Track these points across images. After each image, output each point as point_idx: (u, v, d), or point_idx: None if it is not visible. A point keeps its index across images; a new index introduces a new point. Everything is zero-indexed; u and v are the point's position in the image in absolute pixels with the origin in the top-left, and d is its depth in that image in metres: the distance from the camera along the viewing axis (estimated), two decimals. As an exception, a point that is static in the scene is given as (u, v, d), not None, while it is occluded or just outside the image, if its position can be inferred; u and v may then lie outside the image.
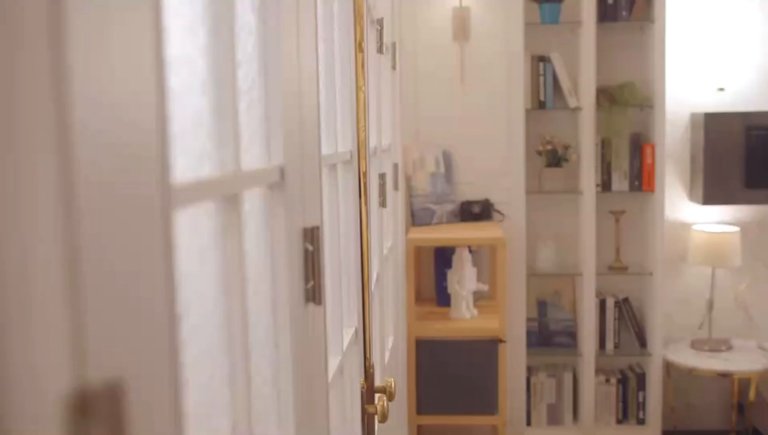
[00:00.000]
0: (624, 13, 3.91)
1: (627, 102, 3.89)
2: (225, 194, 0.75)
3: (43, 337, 0.38)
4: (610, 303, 4.07)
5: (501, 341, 3.63)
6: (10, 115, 0.36)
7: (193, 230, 0.69)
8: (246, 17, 0.86)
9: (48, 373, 0.38)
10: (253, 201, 0.88)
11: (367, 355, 1.82)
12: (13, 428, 0.36)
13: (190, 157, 0.68)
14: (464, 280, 3.72)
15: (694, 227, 4.08)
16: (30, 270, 0.38)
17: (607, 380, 4.08)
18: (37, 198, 0.38)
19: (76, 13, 0.40)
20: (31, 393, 0.37)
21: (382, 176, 2.51)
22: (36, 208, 0.38)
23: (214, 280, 0.74)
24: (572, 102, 3.98)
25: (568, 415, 4.11)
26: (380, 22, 2.53)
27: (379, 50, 2.51)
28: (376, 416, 1.74)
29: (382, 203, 2.52)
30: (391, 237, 3.00)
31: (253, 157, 0.88)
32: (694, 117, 4.08)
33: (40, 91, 0.38)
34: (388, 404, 1.73)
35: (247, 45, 0.86)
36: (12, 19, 0.36)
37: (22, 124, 0.37)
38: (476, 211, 3.92)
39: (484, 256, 4.05)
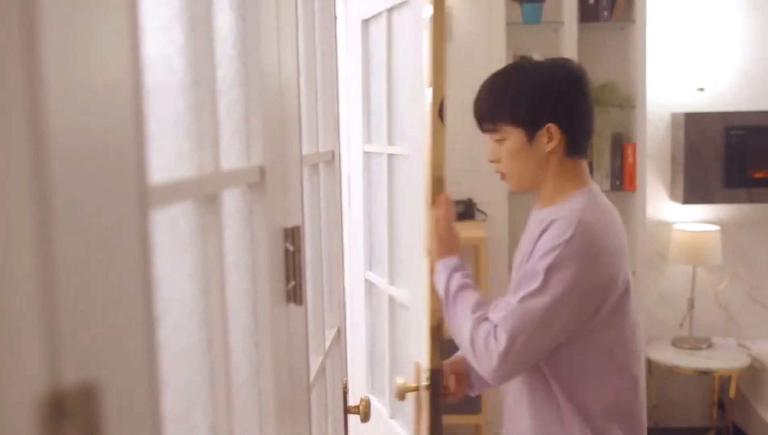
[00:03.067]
0: (605, 13, 3.93)
1: (608, 102, 3.91)
2: (204, 194, 0.75)
3: (16, 339, 0.38)
4: (592, 302, 4.09)
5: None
6: (-18, 114, 0.36)
7: (172, 230, 0.69)
8: (224, 16, 0.86)
9: (21, 374, 0.38)
10: (233, 201, 0.88)
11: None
12: (-16, 430, 0.36)
13: (168, 157, 0.68)
14: (447, 279, 3.71)
15: (674, 226, 4.11)
16: (3, 271, 0.37)
17: (590, 379, 4.10)
18: (10, 199, 0.38)
19: (50, 11, 0.40)
20: (4, 395, 0.37)
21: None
22: (9, 209, 0.38)
23: (193, 281, 0.74)
24: (554, 102, 3.99)
25: (550, 414, 4.12)
26: (362, 21, 2.53)
27: (361, 50, 2.51)
28: (358, 415, 1.74)
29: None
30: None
31: (232, 156, 0.87)
32: (674, 117, 4.11)
33: (12, 90, 0.38)
34: (369, 404, 1.73)
35: (226, 44, 0.86)
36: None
37: (-6, 124, 0.37)
38: (459, 211, 3.93)
39: (467, 255, 4.05)
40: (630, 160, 3.95)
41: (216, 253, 0.76)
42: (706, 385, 4.23)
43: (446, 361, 1.82)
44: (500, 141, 1.61)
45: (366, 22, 2.39)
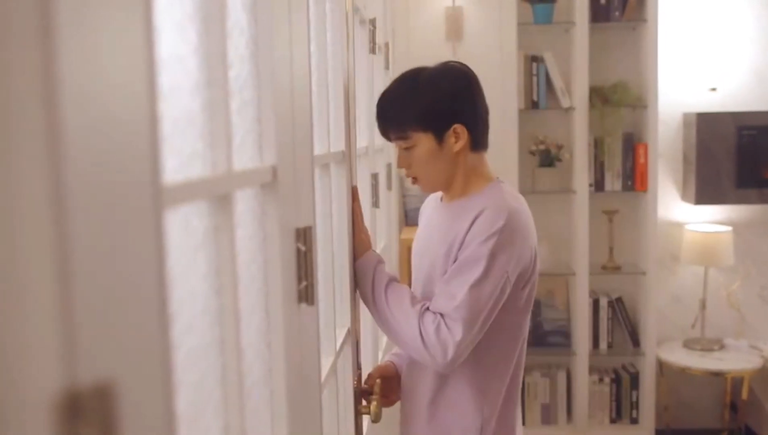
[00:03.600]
0: (616, 13, 3.91)
1: (620, 102, 3.89)
2: (217, 194, 0.75)
3: (33, 338, 0.38)
4: (603, 302, 4.08)
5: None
6: (2, 115, 0.36)
7: (185, 230, 0.69)
8: (237, 16, 0.86)
9: (38, 373, 0.38)
10: (245, 201, 0.88)
11: (358, 356, 1.82)
12: (3, 429, 0.36)
13: (182, 157, 0.68)
14: (458, 279, 3.70)
15: (686, 227, 4.09)
16: (20, 271, 0.37)
17: (601, 380, 4.09)
18: (27, 199, 0.38)
19: (66, 13, 0.40)
20: (21, 394, 0.37)
21: (374, 176, 2.51)
22: (26, 209, 0.38)
23: (206, 280, 0.74)
24: (565, 102, 3.98)
25: (561, 415, 4.12)
26: (373, 22, 2.53)
27: (372, 50, 2.51)
28: (369, 416, 1.74)
29: (375, 203, 2.52)
30: (384, 237, 3.00)
31: (245, 156, 0.87)
32: (686, 117, 4.09)
33: (30, 91, 0.38)
34: (380, 404, 1.73)
35: (239, 45, 0.86)
36: (1, 19, 0.36)
37: (12, 124, 0.37)
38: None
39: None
40: (641, 160, 3.93)
41: (228, 253, 0.77)
42: (718, 387, 4.21)
43: (376, 366, 1.88)
44: (410, 148, 1.67)
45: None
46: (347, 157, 1.70)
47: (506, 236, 1.55)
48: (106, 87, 0.45)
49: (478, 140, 1.69)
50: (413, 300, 1.61)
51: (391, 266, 3.20)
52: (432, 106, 1.63)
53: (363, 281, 1.69)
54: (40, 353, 0.38)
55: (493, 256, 1.54)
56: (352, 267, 1.70)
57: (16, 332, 0.37)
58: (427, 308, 1.58)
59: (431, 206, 1.85)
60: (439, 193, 1.82)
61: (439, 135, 1.64)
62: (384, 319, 1.64)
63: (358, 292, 1.73)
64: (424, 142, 1.64)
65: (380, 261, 1.71)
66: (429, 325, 1.55)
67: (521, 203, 1.67)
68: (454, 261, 1.59)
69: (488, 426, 1.66)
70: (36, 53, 0.38)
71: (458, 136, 1.64)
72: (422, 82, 1.65)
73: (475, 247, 1.55)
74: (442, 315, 1.55)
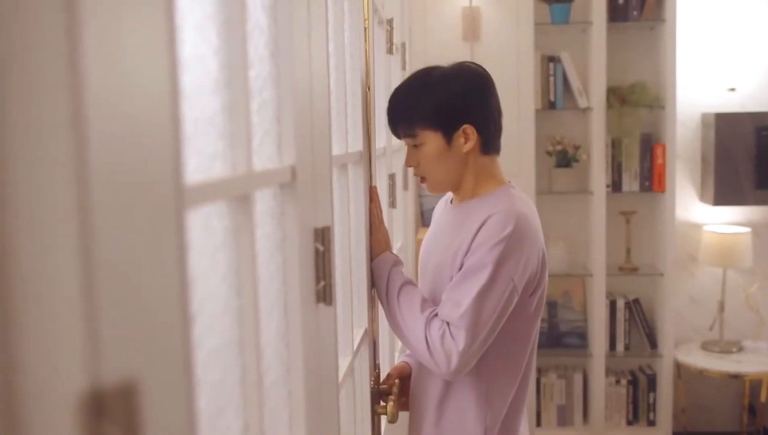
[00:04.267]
0: (634, 12, 3.89)
1: (637, 102, 3.87)
2: (237, 194, 0.75)
3: (58, 337, 0.38)
4: (620, 304, 4.06)
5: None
6: (28, 115, 0.37)
7: (206, 230, 0.69)
8: (257, 16, 0.86)
9: (63, 372, 0.38)
10: (264, 201, 0.89)
11: (375, 356, 1.82)
12: (29, 427, 0.36)
13: (203, 158, 0.68)
14: (474, 280, 3.70)
15: (704, 228, 4.06)
16: (46, 270, 0.38)
17: (618, 381, 4.07)
18: (52, 199, 0.38)
19: (91, 14, 0.40)
20: (46, 392, 0.37)
21: (391, 177, 2.50)
22: (52, 209, 0.38)
23: (226, 280, 0.74)
24: (582, 102, 3.96)
25: (578, 416, 4.10)
26: (390, 22, 2.53)
27: (389, 51, 2.51)
28: (385, 416, 1.74)
29: (392, 204, 2.52)
30: (400, 237, 3.00)
31: (264, 157, 0.88)
32: (705, 117, 4.06)
33: (56, 92, 0.38)
34: (397, 405, 1.73)
35: (258, 45, 0.86)
36: (28, 21, 0.36)
37: (39, 125, 0.37)
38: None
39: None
40: (659, 160, 3.91)
41: (248, 253, 0.77)
42: (736, 389, 4.18)
43: (394, 366, 1.88)
44: (418, 146, 1.66)
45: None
46: (365, 158, 1.70)
47: (514, 243, 1.53)
48: (129, 87, 0.45)
49: (490, 143, 1.68)
50: (423, 305, 1.60)
51: (407, 266, 3.20)
52: (442, 104, 1.62)
53: (378, 282, 1.69)
54: (65, 353, 0.38)
55: (499, 264, 1.52)
56: (369, 267, 1.70)
57: (41, 333, 0.37)
58: (436, 315, 1.57)
59: (441, 208, 1.84)
60: (450, 195, 1.81)
61: (448, 134, 1.63)
62: (395, 322, 1.64)
63: (374, 292, 1.73)
64: (432, 140, 1.63)
65: (396, 263, 1.71)
66: (435, 332, 1.54)
67: (530, 208, 1.65)
68: (460, 267, 1.57)
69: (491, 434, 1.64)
70: (61, 54, 0.38)
71: (467, 137, 1.63)
72: (434, 81, 1.65)
73: (482, 254, 1.53)
74: (448, 323, 1.53)
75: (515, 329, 1.62)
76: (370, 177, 1.77)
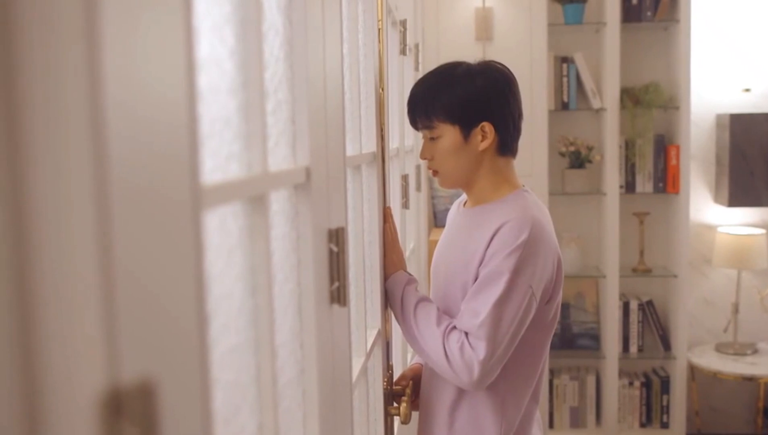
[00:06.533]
0: (648, 13, 3.87)
1: (651, 103, 3.86)
2: (252, 195, 0.76)
3: (77, 338, 0.39)
4: (633, 305, 4.04)
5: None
6: (47, 116, 0.37)
7: (222, 230, 0.70)
8: (273, 17, 0.86)
9: (82, 372, 0.39)
10: (279, 202, 0.89)
11: (388, 357, 1.82)
12: (49, 426, 0.37)
13: (219, 159, 0.68)
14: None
15: (719, 229, 4.04)
16: (65, 271, 0.38)
17: (631, 383, 4.05)
18: (72, 200, 0.38)
19: (110, 17, 0.40)
20: (66, 392, 0.38)
21: (404, 177, 2.51)
22: (71, 211, 0.38)
23: (241, 280, 0.75)
24: (596, 103, 3.95)
25: (590, 418, 4.08)
26: (403, 23, 2.53)
27: (402, 52, 2.51)
28: (398, 417, 1.74)
29: (405, 205, 2.52)
30: (413, 238, 3.00)
31: (279, 158, 0.88)
32: (719, 118, 4.04)
33: (75, 93, 0.38)
34: (410, 406, 1.73)
35: (273, 46, 0.86)
36: (48, 23, 0.37)
37: (58, 126, 0.37)
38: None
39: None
40: (673, 161, 3.89)
41: (263, 253, 0.77)
42: (750, 392, 4.16)
43: (408, 367, 1.87)
44: (435, 138, 1.65)
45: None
46: (378, 158, 1.71)
47: (530, 250, 1.52)
48: (147, 89, 0.46)
49: (507, 144, 1.67)
50: (440, 319, 1.58)
51: (420, 267, 3.20)
52: (462, 99, 1.61)
53: (393, 302, 1.68)
54: (84, 353, 0.39)
55: (516, 272, 1.50)
56: (383, 286, 1.70)
57: (62, 333, 0.38)
58: (454, 327, 1.55)
59: (454, 211, 1.83)
60: (464, 198, 1.80)
61: (466, 130, 1.62)
62: (413, 340, 1.62)
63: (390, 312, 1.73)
64: (449, 134, 1.62)
65: (409, 281, 1.69)
66: (454, 344, 1.52)
67: (544, 214, 1.64)
68: (476, 277, 1.56)
69: None
70: (81, 57, 0.39)
71: (485, 135, 1.62)
72: (458, 75, 1.64)
73: (498, 262, 1.51)
74: (466, 334, 1.52)
75: (533, 339, 1.61)
76: (383, 178, 1.76)
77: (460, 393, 1.64)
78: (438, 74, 1.67)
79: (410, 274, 1.73)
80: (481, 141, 1.63)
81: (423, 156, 1.69)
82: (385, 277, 1.71)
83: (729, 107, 4.04)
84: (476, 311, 1.51)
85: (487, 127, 1.62)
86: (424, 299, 1.65)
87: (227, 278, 0.72)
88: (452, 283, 1.63)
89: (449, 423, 1.66)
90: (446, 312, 1.64)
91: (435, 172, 1.69)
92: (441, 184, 1.72)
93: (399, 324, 1.68)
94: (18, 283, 0.36)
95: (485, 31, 3.97)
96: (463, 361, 1.50)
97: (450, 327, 1.55)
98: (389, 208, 1.79)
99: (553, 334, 1.68)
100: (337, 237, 1.08)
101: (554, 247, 1.59)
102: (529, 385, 1.65)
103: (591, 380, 4.08)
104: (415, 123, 1.69)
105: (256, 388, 0.78)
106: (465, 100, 1.62)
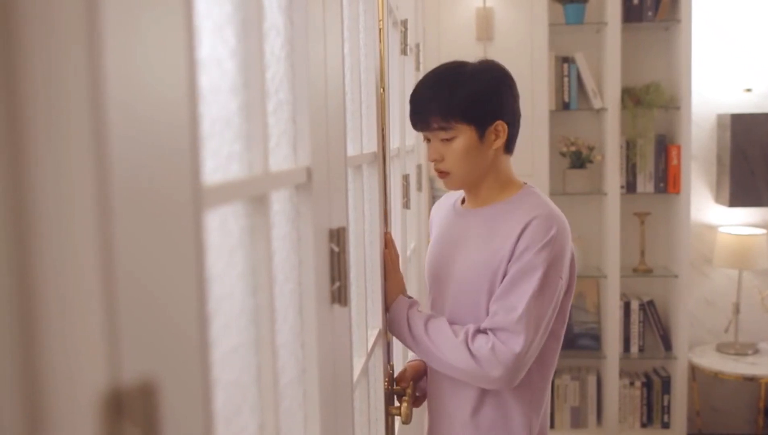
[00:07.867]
0: (649, 13, 3.87)
1: (652, 103, 3.86)
2: (253, 195, 0.76)
3: (78, 337, 0.39)
4: (634, 305, 4.04)
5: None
6: (48, 116, 0.37)
7: (223, 230, 0.70)
8: (274, 17, 0.86)
9: (84, 372, 0.39)
10: (280, 202, 0.89)
11: (389, 357, 1.82)
12: (51, 426, 0.37)
13: (220, 159, 0.68)
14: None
15: (720, 229, 4.04)
16: (66, 270, 0.38)
17: (632, 383, 4.05)
18: (73, 200, 0.38)
19: (112, 17, 0.40)
20: (67, 392, 0.38)
21: (405, 177, 2.50)
22: (73, 210, 0.38)
23: (242, 280, 0.75)
24: (597, 103, 3.95)
25: (591, 418, 4.08)
26: (404, 23, 2.53)
27: (403, 52, 2.51)
28: (399, 417, 1.74)
29: (406, 204, 2.52)
30: (414, 238, 2.99)
31: (280, 158, 0.88)
32: (720, 118, 4.04)
33: (76, 93, 0.38)
34: (411, 406, 1.72)
35: (274, 46, 0.86)
36: (49, 22, 0.37)
37: (60, 127, 0.37)
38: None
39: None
40: (674, 162, 3.89)
41: (264, 253, 0.77)
42: (751, 392, 4.15)
43: (409, 366, 1.85)
44: (449, 139, 1.62)
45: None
46: (379, 158, 1.71)
47: (559, 244, 1.54)
48: (149, 89, 0.46)
49: (513, 142, 1.68)
50: (456, 331, 1.57)
51: (420, 268, 3.20)
52: (478, 98, 1.60)
53: (399, 328, 1.66)
54: (86, 352, 0.39)
55: (550, 266, 1.52)
56: (385, 313, 1.70)
57: (63, 332, 0.38)
58: (477, 330, 1.55)
59: (444, 213, 1.79)
60: (452, 199, 1.78)
61: (482, 130, 1.61)
62: (433, 357, 1.61)
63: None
64: (465, 134, 1.60)
65: (412, 305, 1.68)
66: (483, 347, 1.51)
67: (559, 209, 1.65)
68: (504, 274, 1.55)
69: None
70: (82, 57, 0.39)
71: (498, 134, 1.62)
72: (468, 74, 1.63)
73: (531, 257, 1.52)
74: (496, 332, 1.51)
75: (554, 331, 1.62)
76: (384, 177, 1.76)
77: (483, 394, 1.63)
78: (444, 74, 1.64)
79: (410, 297, 1.72)
80: (495, 140, 1.63)
81: (432, 157, 1.65)
82: (387, 305, 1.70)
83: (730, 107, 4.04)
84: (512, 306, 1.51)
85: (501, 125, 1.62)
86: (431, 317, 1.64)
87: (228, 278, 0.72)
88: (473, 282, 1.61)
89: (474, 425, 1.64)
90: (463, 312, 1.62)
91: (444, 174, 1.65)
92: (449, 186, 1.69)
93: (409, 348, 1.67)
94: (19, 283, 0.36)
95: (486, 31, 3.97)
96: (497, 360, 1.50)
97: (472, 333, 1.54)
98: (389, 233, 1.77)
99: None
100: (338, 237, 1.08)
101: (571, 242, 1.62)
102: (548, 378, 1.67)
103: (592, 380, 4.08)
104: (426, 124, 1.63)
105: (257, 388, 0.78)
106: (480, 100, 1.61)
